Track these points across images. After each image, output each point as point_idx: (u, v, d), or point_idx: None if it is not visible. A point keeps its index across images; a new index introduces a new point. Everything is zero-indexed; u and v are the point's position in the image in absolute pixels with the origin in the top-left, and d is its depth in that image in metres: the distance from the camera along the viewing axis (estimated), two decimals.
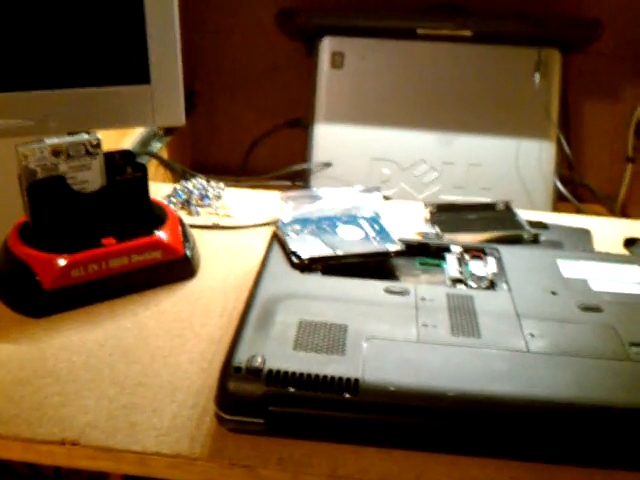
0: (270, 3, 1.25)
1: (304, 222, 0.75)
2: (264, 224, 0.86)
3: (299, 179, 1.20)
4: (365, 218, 0.77)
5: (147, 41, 0.74)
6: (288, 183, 1.19)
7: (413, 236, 0.84)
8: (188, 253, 0.73)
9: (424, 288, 0.65)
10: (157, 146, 1.16)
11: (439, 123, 1.17)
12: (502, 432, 0.53)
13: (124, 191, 0.72)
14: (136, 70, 0.76)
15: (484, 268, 0.71)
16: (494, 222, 0.86)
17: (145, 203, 0.74)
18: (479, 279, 0.69)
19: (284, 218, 0.78)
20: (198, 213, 0.87)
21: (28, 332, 0.65)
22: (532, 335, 0.59)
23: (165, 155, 1.21)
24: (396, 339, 0.58)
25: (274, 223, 0.85)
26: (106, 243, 0.69)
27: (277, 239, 0.74)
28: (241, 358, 0.54)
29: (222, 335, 0.65)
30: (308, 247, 0.70)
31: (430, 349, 0.57)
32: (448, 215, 0.87)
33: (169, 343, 0.64)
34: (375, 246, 0.71)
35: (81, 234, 0.70)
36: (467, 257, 0.73)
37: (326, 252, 0.69)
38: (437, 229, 0.83)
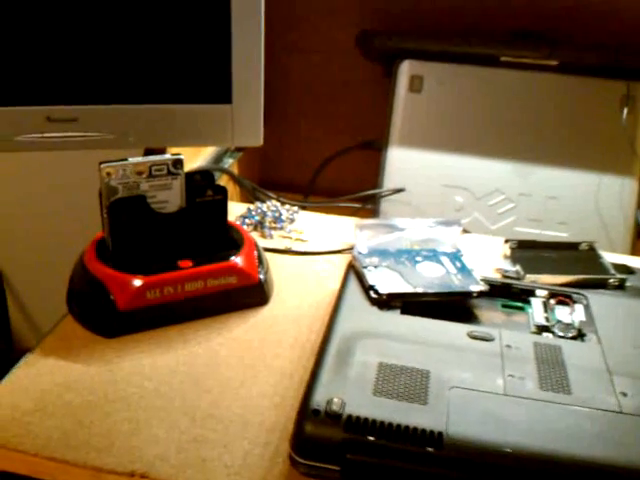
0: (350, 24, 1.24)
1: (382, 254, 0.73)
2: (338, 251, 0.84)
3: (369, 202, 1.18)
4: (446, 254, 0.74)
5: (232, 62, 0.73)
6: (358, 205, 1.17)
7: (492, 273, 0.81)
8: (262, 279, 0.72)
9: (509, 334, 0.62)
10: (229, 162, 1.15)
11: (517, 153, 1.14)
12: None
13: (203, 213, 0.71)
14: (219, 90, 0.76)
15: (571, 315, 0.68)
16: (577, 263, 0.82)
17: (223, 226, 0.72)
18: (566, 327, 0.65)
19: (360, 247, 0.75)
20: (271, 236, 0.86)
21: (99, 353, 0.64)
22: (624, 394, 0.56)
23: (235, 171, 1.20)
24: (481, 390, 0.55)
25: (348, 251, 0.83)
26: (183, 266, 0.68)
27: (354, 270, 0.72)
28: (319, 400, 0.52)
29: (294, 369, 0.63)
30: (387, 282, 0.68)
31: (518, 403, 0.54)
32: (529, 253, 0.84)
33: (241, 373, 0.63)
34: (457, 285, 0.68)
35: (158, 255, 0.69)
36: (552, 302, 0.70)
37: (406, 289, 0.67)
38: (518, 268, 0.79)
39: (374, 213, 1.19)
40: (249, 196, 1.14)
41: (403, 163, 1.16)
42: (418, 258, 0.72)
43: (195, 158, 1.03)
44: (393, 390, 0.54)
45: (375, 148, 1.24)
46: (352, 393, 0.53)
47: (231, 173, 1.11)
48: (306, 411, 0.52)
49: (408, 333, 0.61)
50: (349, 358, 0.57)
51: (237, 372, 0.63)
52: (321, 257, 0.83)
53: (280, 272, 0.79)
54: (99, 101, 0.72)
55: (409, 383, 0.55)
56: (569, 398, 0.55)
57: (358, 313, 0.64)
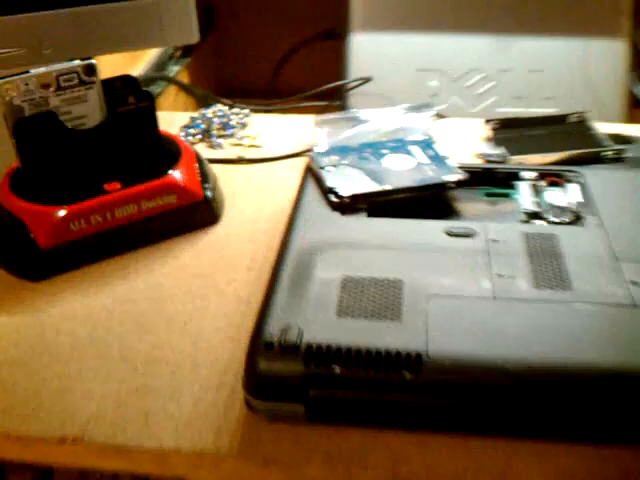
0: None
1: (343, 151, 0.63)
2: (296, 154, 0.74)
3: (336, 98, 1.07)
4: (416, 142, 0.64)
5: None
6: (324, 103, 1.06)
7: (473, 160, 0.71)
8: (208, 195, 0.62)
9: (494, 227, 0.53)
10: (175, 69, 1.04)
11: (493, 24, 1.02)
12: (605, 412, 0.41)
13: (128, 125, 0.61)
14: None
15: (565, 197, 0.58)
16: (568, 138, 0.73)
17: (154, 138, 0.62)
18: (561, 211, 0.56)
19: (319, 147, 0.65)
20: (220, 145, 0.75)
21: (25, 299, 0.55)
22: (636, 284, 0.47)
23: (185, 79, 1.09)
24: (466, 296, 0.46)
25: (308, 152, 0.73)
26: (110, 189, 0.58)
27: (311, 173, 0.62)
28: (273, 330, 0.44)
29: (251, 293, 0.55)
30: (349, 182, 0.58)
31: (510, 308, 0.45)
32: (513, 133, 0.74)
33: (189, 306, 0.54)
34: (430, 176, 0.59)
35: (80, 180, 0.59)
36: (543, 184, 0.60)
37: (371, 187, 0.57)
38: (502, 149, 0.70)
39: (342, 109, 1.08)
40: (203, 106, 1.04)
41: (368, 49, 1.04)
42: (384, 151, 0.62)
43: (131, 67, 0.92)
44: (360, 308, 0.45)
45: (338, 37, 1.12)
46: (312, 317, 0.44)
47: (177, 81, 1.00)
48: (257, 345, 0.43)
49: (376, 238, 0.52)
50: (307, 276, 0.48)
51: (185, 305, 0.54)
52: (278, 163, 0.73)
53: (233, 184, 0.69)
54: (3, 12, 0.62)
55: (379, 297, 0.46)
56: (570, 294, 0.46)
57: (317, 222, 0.55)
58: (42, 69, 0.59)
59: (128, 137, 0.61)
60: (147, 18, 0.70)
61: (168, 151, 0.63)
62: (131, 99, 0.60)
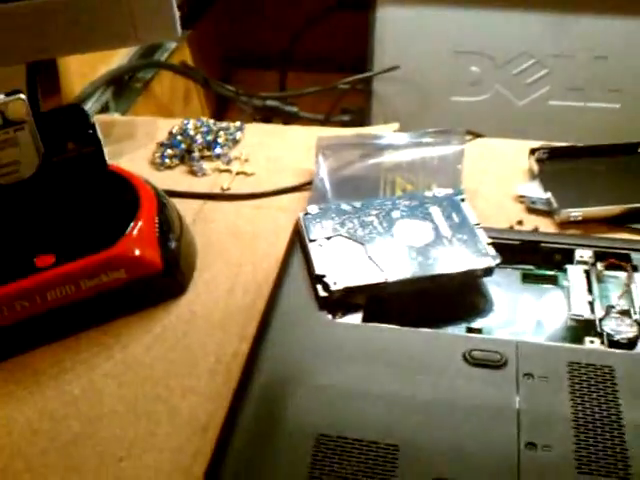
0: None
1: (341, 212, 0.49)
2: (292, 189, 0.60)
3: (360, 83, 0.92)
4: (438, 201, 0.50)
5: None
6: (346, 87, 0.91)
7: (511, 203, 0.57)
8: (170, 263, 0.49)
9: (530, 349, 0.40)
10: (171, 47, 0.89)
11: (549, 1, 0.85)
12: None
13: (67, 177, 0.48)
14: None
15: (630, 294, 0.44)
16: (635, 178, 0.58)
17: (100, 192, 0.49)
18: (621, 320, 0.42)
19: (311, 207, 0.50)
20: (203, 171, 0.62)
21: None
22: None
23: (187, 55, 0.94)
24: None
25: (308, 186, 0.60)
26: (42, 265, 0.46)
27: (299, 240, 0.48)
28: None
29: (213, 412, 0.43)
30: (343, 267, 0.44)
31: None
32: (565, 166, 0.59)
33: (131, 431, 0.42)
34: (453, 260, 0.45)
35: (4, 252, 0.47)
36: (600, 267, 0.46)
37: (371, 276, 0.44)
38: (550, 197, 0.55)
39: (366, 95, 0.94)
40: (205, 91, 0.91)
41: (398, 26, 0.88)
42: (394, 214, 0.48)
43: (109, 55, 0.78)
44: None
45: (362, 7, 0.96)
46: None
47: (170, 66, 0.85)
48: None
49: (369, 367, 0.39)
50: (273, 427, 0.36)
51: (126, 429, 0.42)
52: (272, 200, 0.60)
53: (210, 231, 0.56)
54: None
55: (364, 477, 0.34)
56: None
57: (297, 329, 0.42)
58: None
59: (67, 193, 0.48)
60: (113, 10, 0.57)
61: (120, 204, 0.50)
62: (70, 145, 0.47)
